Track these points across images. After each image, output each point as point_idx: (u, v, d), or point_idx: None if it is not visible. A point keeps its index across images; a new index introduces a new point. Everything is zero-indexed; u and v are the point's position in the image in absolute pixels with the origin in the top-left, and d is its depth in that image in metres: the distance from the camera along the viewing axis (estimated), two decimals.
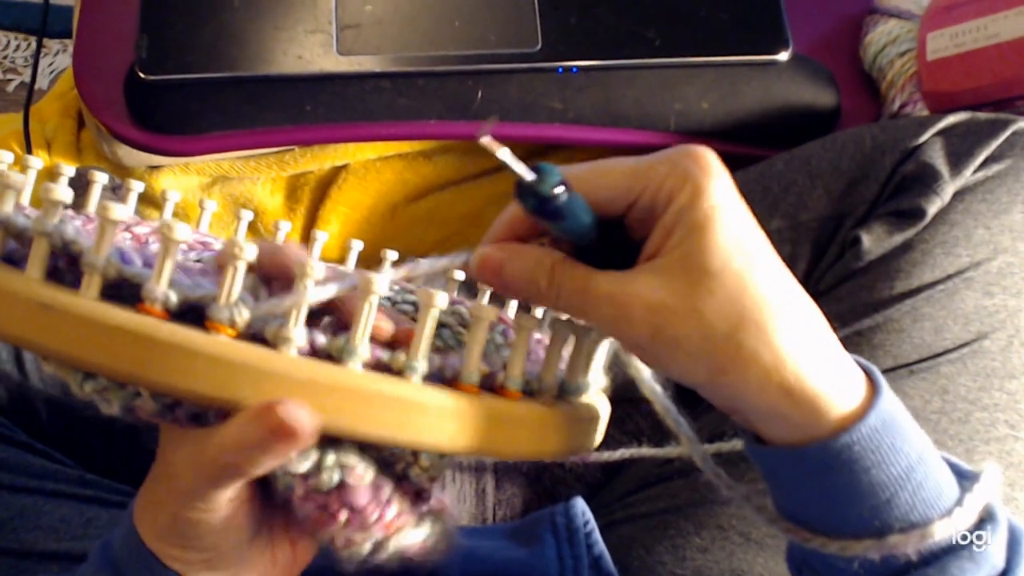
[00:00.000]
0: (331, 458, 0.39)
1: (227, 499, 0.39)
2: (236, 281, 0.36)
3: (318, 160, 0.95)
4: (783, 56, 0.87)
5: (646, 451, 0.63)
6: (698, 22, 0.87)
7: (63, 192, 0.36)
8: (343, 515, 0.40)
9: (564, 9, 0.88)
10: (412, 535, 0.42)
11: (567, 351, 0.45)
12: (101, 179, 0.56)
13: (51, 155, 0.99)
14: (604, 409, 0.48)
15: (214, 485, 0.38)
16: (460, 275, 0.54)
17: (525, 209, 0.37)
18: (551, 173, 0.36)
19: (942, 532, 0.40)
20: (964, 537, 0.41)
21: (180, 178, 0.95)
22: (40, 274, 0.36)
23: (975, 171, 0.68)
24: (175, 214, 0.61)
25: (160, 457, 0.41)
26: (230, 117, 0.85)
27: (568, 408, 0.44)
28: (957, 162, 0.69)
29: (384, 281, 0.37)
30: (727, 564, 0.63)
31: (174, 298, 0.36)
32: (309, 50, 0.85)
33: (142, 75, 0.84)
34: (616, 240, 0.41)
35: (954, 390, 0.64)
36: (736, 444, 0.62)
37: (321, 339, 0.37)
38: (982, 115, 0.72)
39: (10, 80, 1.23)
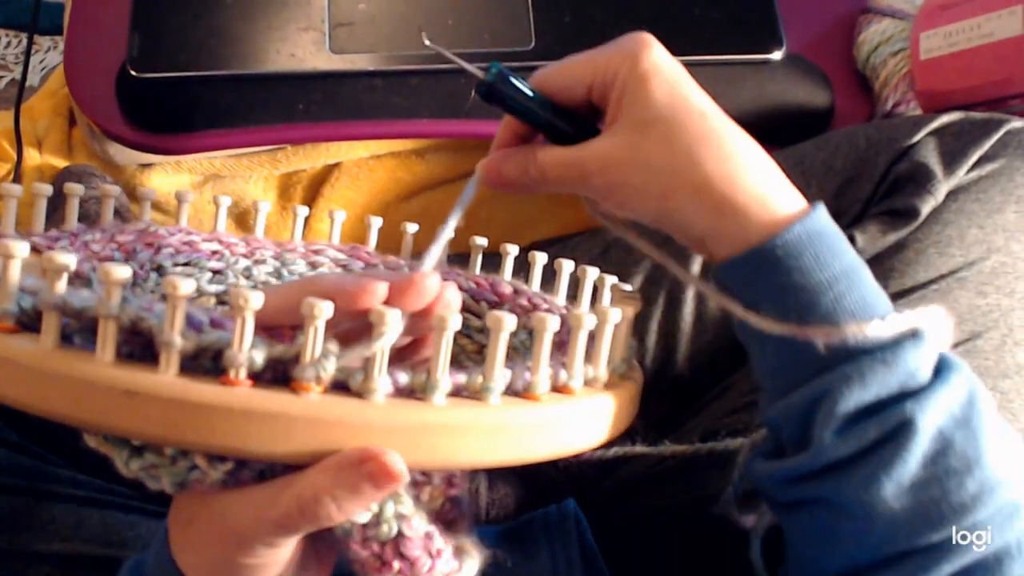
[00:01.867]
0: (391, 509, 0.40)
1: (291, 545, 0.39)
2: (317, 340, 0.36)
3: (311, 158, 0.94)
4: (776, 55, 0.87)
5: (640, 449, 0.63)
6: (691, 21, 0.87)
7: (123, 272, 0.35)
8: (396, 564, 0.40)
9: (558, 8, 0.87)
10: None
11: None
12: (77, 192, 0.55)
13: (42, 153, 0.98)
14: (639, 377, 0.51)
15: (286, 533, 0.38)
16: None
17: (480, 98, 0.47)
18: (493, 66, 0.46)
19: (852, 333, 0.43)
20: (879, 345, 0.43)
21: (172, 176, 0.94)
22: (112, 357, 0.35)
23: (968, 170, 0.68)
24: (158, 208, 0.61)
25: (197, 506, 0.40)
26: (222, 115, 0.85)
27: (620, 387, 0.46)
28: (951, 161, 0.69)
29: (457, 318, 0.38)
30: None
31: (259, 360, 0.35)
32: (302, 48, 0.85)
33: (133, 73, 0.83)
34: (584, 121, 0.49)
35: None
36: (730, 443, 0.62)
37: (404, 379, 0.37)
38: (976, 115, 0.72)
39: (1, 77, 1.23)
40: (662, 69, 0.46)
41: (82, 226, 0.55)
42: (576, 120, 0.49)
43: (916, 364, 0.44)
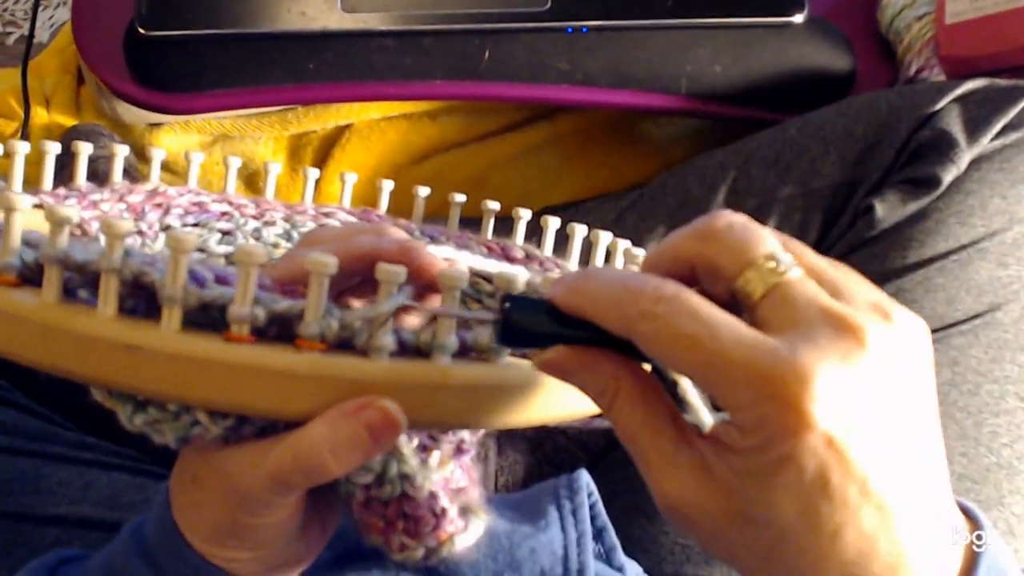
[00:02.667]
0: (394, 469, 0.39)
1: (291, 503, 0.39)
2: (322, 296, 0.35)
3: (321, 119, 0.93)
4: (798, 18, 0.85)
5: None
6: None
7: (126, 226, 0.34)
8: (400, 523, 0.40)
9: None
10: (462, 541, 0.43)
11: None
12: (85, 150, 0.55)
13: (50, 112, 0.98)
14: None
15: (287, 489, 0.37)
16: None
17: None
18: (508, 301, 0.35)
19: None
20: None
21: (180, 136, 0.93)
22: (114, 312, 0.34)
23: (992, 139, 0.67)
24: (167, 169, 0.60)
25: (195, 461, 0.40)
26: (231, 74, 0.84)
27: None
28: (974, 130, 0.68)
29: (464, 275, 0.36)
30: None
31: (262, 316, 0.35)
32: (313, 6, 0.84)
33: (142, 31, 0.82)
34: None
35: (965, 362, 0.63)
36: None
37: (409, 337, 0.37)
38: (1001, 82, 0.71)
39: (10, 33, 1.22)
40: (825, 433, 0.30)
41: (91, 185, 0.55)
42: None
43: None
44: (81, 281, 0.35)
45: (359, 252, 0.42)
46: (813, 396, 0.30)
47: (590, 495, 0.61)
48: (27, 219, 0.36)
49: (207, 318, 0.35)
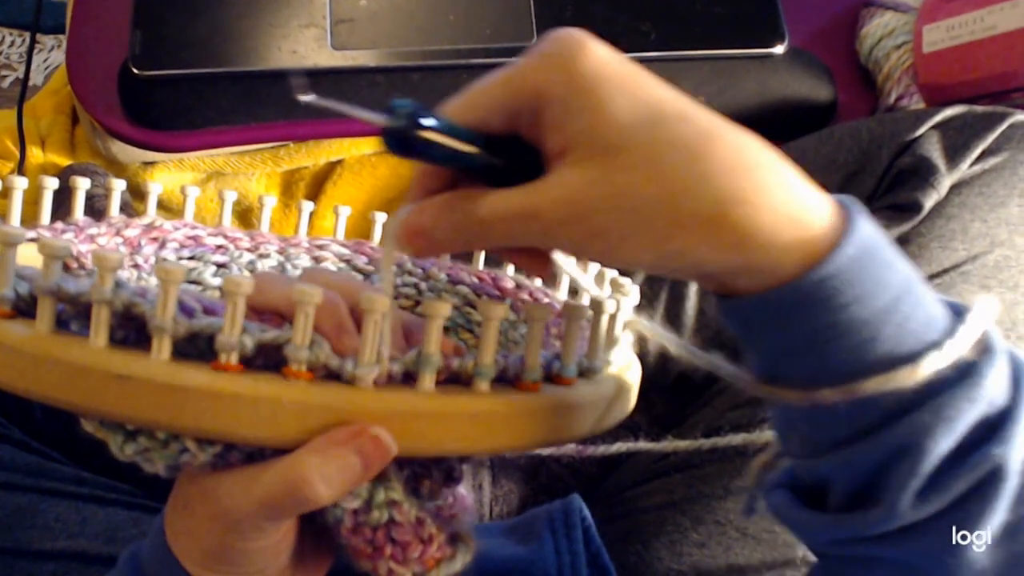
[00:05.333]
0: (381, 495, 0.40)
1: (281, 529, 0.39)
2: (308, 326, 0.36)
3: (312, 155, 0.94)
4: (779, 49, 0.87)
5: (643, 445, 0.63)
6: (693, 15, 0.87)
7: (117, 257, 0.35)
8: (388, 549, 0.41)
9: (559, 2, 0.87)
10: (448, 567, 0.43)
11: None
12: (83, 184, 0.56)
13: (45, 152, 0.98)
14: (637, 373, 0.49)
15: (277, 516, 0.38)
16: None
17: (393, 154, 0.35)
18: (400, 108, 0.34)
19: (931, 366, 0.35)
20: (959, 372, 0.36)
21: (174, 174, 0.94)
22: (105, 342, 0.35)
23: (972, 164, 0.68)
24: (162, 206, 0.61)
25: (189, 486, 0.40)
26: (224, 112, 0.85)
27: (617, 380, 0.45)
28: (954, 155, 0.68)
29: (448, 306, 0.37)
30: (724, 559, 0.63)
31: (250, 345, 0.35)
32: (303, 45, 0.85)
33: (135, 71, 0.83)
34: (523, 152, 0.37)
35: None
36: (733, 439, 0.62)
37: (395, 365, 0.38)
38: (979, 108, 0.72)
39: (5, 76, 1.23)
40: (611, 72, 0.35)
41: (88, 219, 0.56)
42: (512, 150, 0.38)
43: (994, 385, 0.36)
44: (74, 313, 0.36)
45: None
46: (588, 51, 0.35)
47: (583, 520, 0.61)
48: (26, 254, 0.37)
49: (196, 348, 0.36)
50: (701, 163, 0.34)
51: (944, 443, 0.36)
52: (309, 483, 0.36)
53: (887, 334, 0.35)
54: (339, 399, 0.36)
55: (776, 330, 0.37)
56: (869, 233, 0.36)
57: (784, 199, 0.34)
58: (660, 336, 0.46)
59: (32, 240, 0.48)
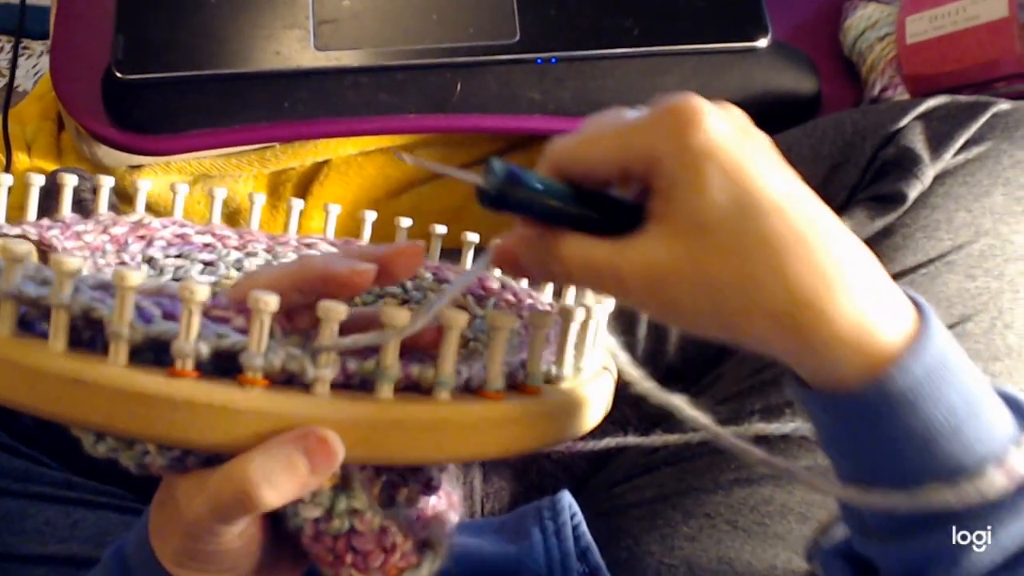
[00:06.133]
0: (343, 504, 0.40)
1: (236, 533, 0.39)
2: (263, 332, 0.36)
3: (299, 156, 0.94)
4: (762, 43, 0.87)
5: (632, 440, 0.63)
6: (676, 10, 0.87)
7: (75, 262, 0.35)
8: (349, 558, 0.40)
9: (543, 1, 0.87)
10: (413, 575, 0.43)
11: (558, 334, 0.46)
12: (71, 181, 0.56)
13: (31, 157, 0.98)
14: (611, 381, 0.49)
15: (225, 518, 0.38)
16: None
17: (487, 207, 0.37)
18: (495, 169, 0.37)
19: (993, 483, 0.36)
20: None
21: (161, 177, 0.94)
22: (63, 347, 0.35)
23: (955, 154, 0.68)
24: (149, 209, 0.61)
25: (165, 487, 0.41)
26: (209, 115, 0.85)
27: (585, 389, 0.45)
28: (937, 145, 0.69)
29: (465, 316, 0.38)
30: (715, 552, 0.63)
31: (205, 351, 0.35)
32: (287, 46, 0.85)
33: (119, 75, 0.83)
34: (619, 205, 0.40)
35: None
36: (721, 432, 0.62)
37: (352, 366, 0.38)
38: (962, 98, 0.72)
39: None
40: (720, 151, 0.35)
41: (75, 216, 0.56)
42: (611, 204, 0.40)
43: None
44: (38, 314, 0.36)
45: (311, 275, 0.42)
46: (702, 126, 0.35)
47: (573, 516, 0.62)
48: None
49: (155, 352, 0.36)
50: (783, 262, 0.35)
51: (992, 555, 0.36)
52: (253, 484, 0.36)
53: (948, 451, 0.36)
54: (293, 406, 0.36)
55: (833, 426, 0.38)
56: (940, 347, 0.36)
57: (858, 308, 0.35)
58: (627, 370, 0.46)
59: (34, 244, 0.48)
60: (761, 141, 0.37)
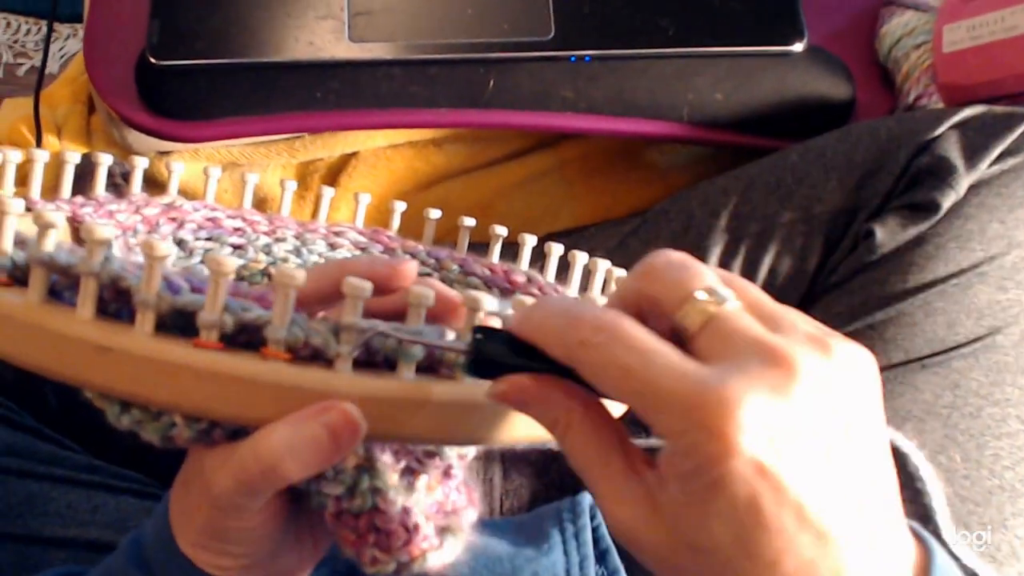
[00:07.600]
0: (365, 482, 0.40)
1: (259, 508, 0.39)
2: (288, 306, 0.36)
3: (328, 147, 0.94)
4: (798, 47, 0.86)
5: (655, 441, 0.63)
6: (712, 12, 0.87)
7: (107, 231, 0.36)
8: (371, 537, 0.41)
9: None
10: (436, 557, 0.43)
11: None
12: (105, 161, 0.56)
13: (62, 140, 0.99)
14: None
15: (251, 491, 0.38)
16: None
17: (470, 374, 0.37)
18: (477, 333, 0.37)
19: None
20: None
21: (190, 164, 0.94)
22: (91, 314, 0.36)
23: (990, 165, 0.68)
24: (182, 192, 0.62)
25: (191, 464, 0.41)
26: (240, 103, 0.85)
27: None
28: (972, 155, 0.68)
29: (431, 295, 0.38)
30: None
31: (230, 323, 0.36)
32: (320, 36, 0.85)
33: (153, 60, 0.84)
34: None
35: (966, 385, 0.64)
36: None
37: (375, 348, 0.38)
38: (998, 108, 0.72)
39: (20, 64, 1.23)
40: (741, 472, 0.31)
41: (109, 195, 0.56)
42: None
43: None
44: (67, 284, 0.37)
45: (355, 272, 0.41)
46: (738, 423, 0.30)
47: (593, 517, 0.61)
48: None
49: (180, 324, 0.36)
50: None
51: None
52: (278, 456, 0.36)
53: None
54: (314, 380, 0.36)
55: None
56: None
57: None
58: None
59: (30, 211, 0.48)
60: (822, 442, 0.32)
